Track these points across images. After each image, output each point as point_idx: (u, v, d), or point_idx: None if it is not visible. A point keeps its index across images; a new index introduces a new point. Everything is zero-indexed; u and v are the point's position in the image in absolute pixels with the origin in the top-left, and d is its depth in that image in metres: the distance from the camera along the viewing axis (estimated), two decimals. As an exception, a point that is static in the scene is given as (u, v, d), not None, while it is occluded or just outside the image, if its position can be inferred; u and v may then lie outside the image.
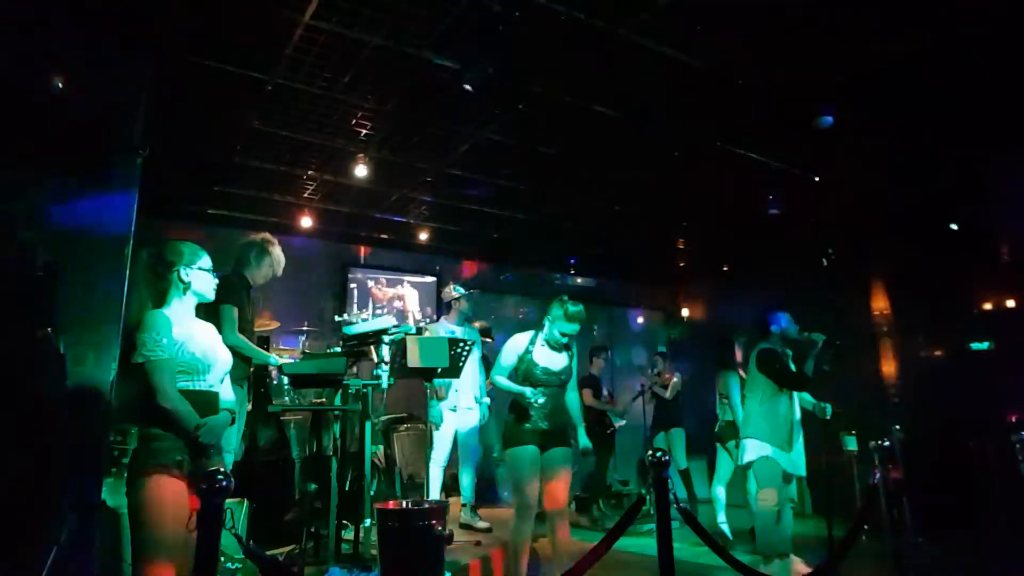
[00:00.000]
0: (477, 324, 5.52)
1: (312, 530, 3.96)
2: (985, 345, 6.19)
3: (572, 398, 3.65)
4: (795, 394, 4.13)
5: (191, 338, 2.27)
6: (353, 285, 7.10)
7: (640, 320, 9.44)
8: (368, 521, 3.72)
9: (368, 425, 3.83)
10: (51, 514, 2.61)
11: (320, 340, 6.07)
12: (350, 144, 4.76)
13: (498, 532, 4.56)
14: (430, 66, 3.72)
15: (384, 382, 3.75)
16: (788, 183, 5.37)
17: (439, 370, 3.55)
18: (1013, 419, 5.49)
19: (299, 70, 3.77)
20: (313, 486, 4.11)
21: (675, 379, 6.28)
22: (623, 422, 6.72)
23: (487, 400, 5.23)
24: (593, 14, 3.29)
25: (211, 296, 2.43)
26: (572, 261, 8.20)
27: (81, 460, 2.80)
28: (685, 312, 9.34)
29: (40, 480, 2.64)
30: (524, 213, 6.35)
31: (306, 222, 6.21)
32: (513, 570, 3.40)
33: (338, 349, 4.46)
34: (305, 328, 5.47)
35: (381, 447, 5.20)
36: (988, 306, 6.35)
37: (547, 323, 3.51)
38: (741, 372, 5.18)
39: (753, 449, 4.03)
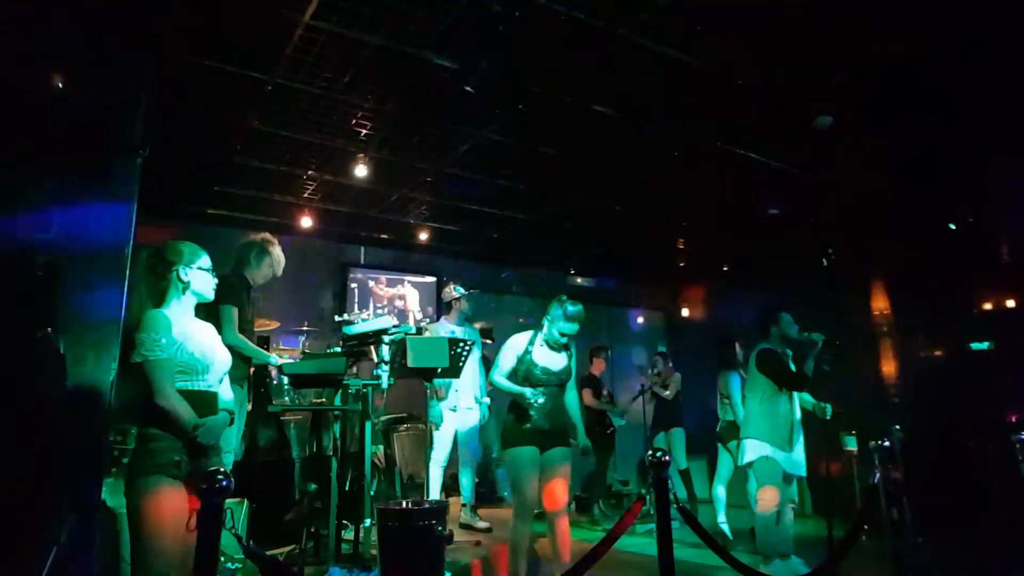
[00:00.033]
0: (478, 325, 5.52)
1: (312, 530, 3.96)
2: (985, 345, 6.18)
3: (571, 398, 3.65)
4: (795, 394, 4.13)
5: (190, 338, 2.27)
6: (354, 285, 7.10)
7: (640, 320, 9.44)
8: (368, 521, 3.72)
9: (368, 425, 3.84)
10: (51, 514, 2.61)
11: (320, 340, 6.07)
12: (350, 144, 4.76)
13: (498, 532, 4.56)
14: (430, 66, 3.72)
15: (384, 382, 3.75)
16: (788, 183, 5.37)
17: (439, 370, 3.55)
18: (1013, 419, 5.49)
19: (299, 70, 3.77)
20: (313, 486, 4.11)
21: (675, 378, 6.28)
22: (623, 422, 6.72)
23: (487, 400, 5.23)
24: (593, 14, 3.28)
25: (210, 296, 2.43)
26: (571, 272, 8.22)
27: (81, 460, 2.80)
28: (685, 312, 9.34)
29: (40, 480, 2.64)
30: (524, 213, 6.35)
31: (306, 222, 6.21)
32: (513, 570, 3.39)
33: (338, 349, 4.46)
34: (305, 328, 5.47)
35: (381, 447, 5.21)
36: (988, 306, 6.35)
37: (546, 323, 3.51)
38: (742, 372, 5.18)
39: (753, 449, 4.04)
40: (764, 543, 4.01)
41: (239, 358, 3.55)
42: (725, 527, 5.29)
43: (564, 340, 3.49)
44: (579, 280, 8.73)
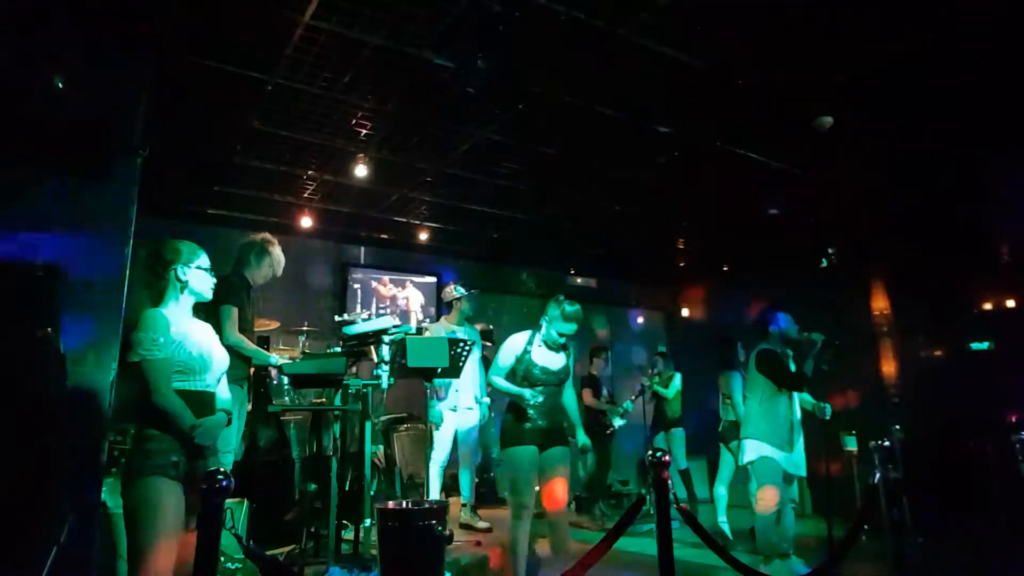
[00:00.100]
0: (479, 326, 5.52)
1: (312, 530, 3.96)
2: (985, 345, 6.18)
3: (569, 396, 3.65)
4: (795, 394, 4.13)
5: (188, 337, 2.26)
6: (357, 286, 7.11)
7: (640, 320, 9.44)
8: (368, 521, 3.72)
9: (368, 425, 3.84)
10: (51, 514, 2.61)
11: (320, 340, 6.07)
12: (350, 144, 4.76)
13: (498, 532, 4.56)
14: (430, 66, 3.72)
15: (384, 382, 3.75)
16: (788, 183, 5.37)
17: (439, 370, 3.55)
18: (1013, 419, 5.49)
19: (299, 70, 3.77)
20: (313, 486, 4.11)
21: (675, 379, 6.28)
22: (623, 422, 6.72)
23: (487, 400, 5.23)
24: (593, 14, 3.28)
25: (209, 296, 2.42)
26: (571, 272, 8.21)
27: (81, 460, 2.80)
28: (685, 312, 9.34)
29: (40, 480, 2.64)
30: (524, 213, 6.35)
31: (306, 222, 6.21)
32: (513, 570, 3.39)
33: (338, 349, 4.46)
34: (305, 328, 5.47)
35: (381, 447, 5.21)
36: (988, 306, 6.35)
37: (544, 323, 3.51)
38: (743, 372, 5.18)
39: (753, 449, 4.04)
40: (764, 543, 4.01)
41: (239, 358, 3.55)
42: (725, 527, 5.29)
43: (562, 340, 3.49)
44: (579, 280, 8.73)
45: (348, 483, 4.20)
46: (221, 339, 2.49)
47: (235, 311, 3.58)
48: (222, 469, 1.92)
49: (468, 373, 4.69)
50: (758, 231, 6.69)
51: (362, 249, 7.29)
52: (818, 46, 3.57)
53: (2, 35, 2.90)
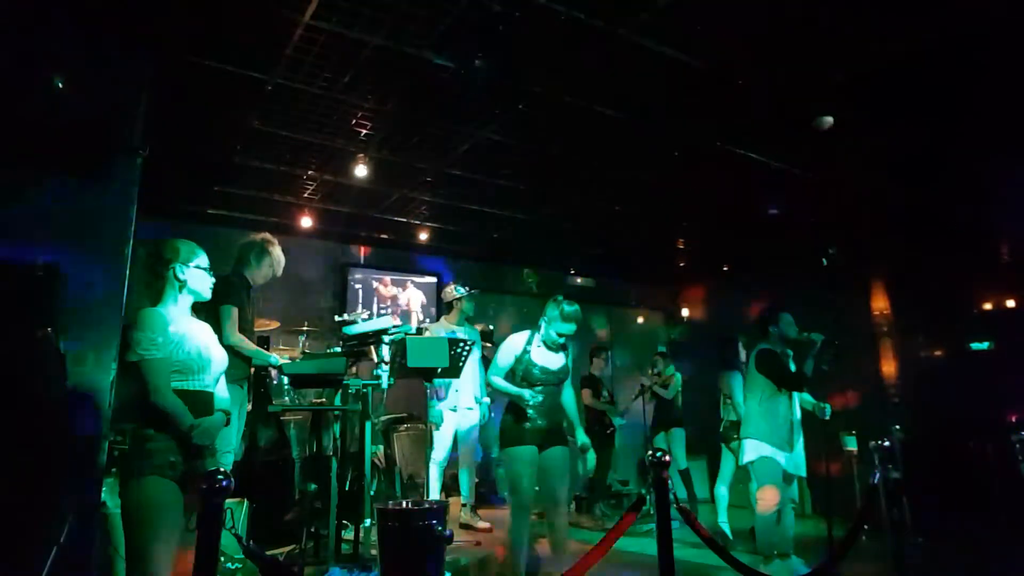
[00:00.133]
0: (479, 327, 5.52)
1: (312, 530, 3.96)
2: (985, 345, 6.18)
3: (568, 395, 3.65)
4: (795, 394, 4.13)
5: (187, 337, 2.25)
6: (358, 286, 7.11)
7: (640, 320, 9.44)
8: (368, 521, 3.72)
9: (368, 425, 3.84)
10: (51, 514, 2.61)
11: (320, 340, 6.07)
12: (350, 144, 4.76)
13: (498, 532, 4.56)
14: (430, 66, 3.72)
15: (384, 382, 3.75)
16: (788, 183, 5.37)
17: (439, 370, 3.55)
18: (1013, 419, 5.49)
19: (299, 70, 3.77)
20: (313, 486, 4.11)
21: (675, 379, 6.28)
22: (623, 421, 6.72)
23: (487, 400, 5.23)
24: (593, 14, 3.28)
25: (207, 295, 2.41)
26: (571, 272, 8.20)
27: (81, 460, 2.80)
28: (685, 312, 9.34)
29: (40, 480, 2.64)
30: (524, 213, 6.35)
31: (306, 222, 6.21)
32: (512, 570, 3.39)
33: (338, 349, 4.46)
34: (305, 328, 5.47)
35: (381, 447, 5.21)
36: (988, 306, 6.35)
37: (543, 324, 3.51)
38: (744, 372, 5.18)
39: (752, 449, 4.04)
40: (764, 543, 4.01)
41: (239, 358, 3.56)
42: (726, 527, 5.29)
43: (562, 340, 3.49)
44: (579, 280, 8.73)
45: (348, 483, 4.20)
46: (221, 339, 2.49)
47: (235, 311, 3.58)
48: (222, 469, 1.92)
49: (468, 373, 4.69)
50: (758, 231, 6.69)
51: (362, 249, 7.29)
52: (818, 46, 3.57)
53: (2, 35, 2.90)
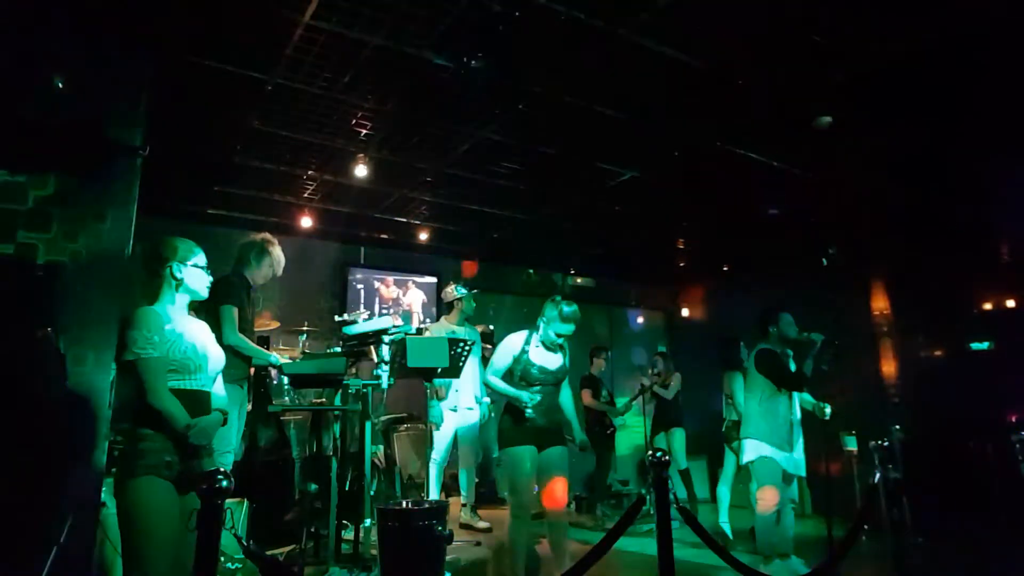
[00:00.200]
0: (479, 327, 5.52)
1: (312, 530, 3.96)
2: (985, 345, 6.18)
3: (566, 395, 3.65)
4: (795, 394, 4.13)
5: (183, 336, 2.23)
6: (360, 286, 7.11)
7: (640, 320, 9.44)
8: (368, 521, 3.72)
9: (368, 425, 3.84)
10: (51, 514, 2.61)
11: (320, 340, 6.07)
12: (350, 144, 4.76)
13: (498, 532, 4.56)
14: (430, 66, 3.72)
15: (384, 382, 3.75)
16: (788, 183, 5.37)
17: (439, 370, 3.55)
18: (1013, 419, 5.49)
19: (299, 70, 3.77)
20: (313, 486, 4.11)
21: (675, 379, 6.28)
22: (623, 421, 6.72)
23: (487, 400, 5.23)
24: (593, 14, 3.28)
25: (204, 294, 2.40)
26: (571, 272, 8.20)
27: (81, 460, 2.80)
28: (685, 312, 9.34)
29: (40, 480, 2.64)
30: (524, 213, 6.35)
31: (306, 222, 6.21)
32: (512, 570, 3.39)
33: (338, 349, 4.46)
34: (305, 328, 5.47)
35: (381, 447, 5.21)
36: (988, 306, 6.35)
37: (541, 324, 3.51)
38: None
39: (752, 449, 4.04)
40: (764, 543, 4.01)
41: (239, 358, 3.55)
42: (726, 527, 5.29)
43: (560, 340, 3.49)
44: (579, 280, 8.73)
45: (348, 483, 4.20)
46: (221, 339, 2.49)
47: (235, 311, 3.58)
48: (222, 469, 1.91)
49: (468, 373, 4.69)
50: (758, 231, 6.69)
51: (362, 249, 7.29)
52: (818, 46, 3.57)
53: (2, 35, 2.91)
